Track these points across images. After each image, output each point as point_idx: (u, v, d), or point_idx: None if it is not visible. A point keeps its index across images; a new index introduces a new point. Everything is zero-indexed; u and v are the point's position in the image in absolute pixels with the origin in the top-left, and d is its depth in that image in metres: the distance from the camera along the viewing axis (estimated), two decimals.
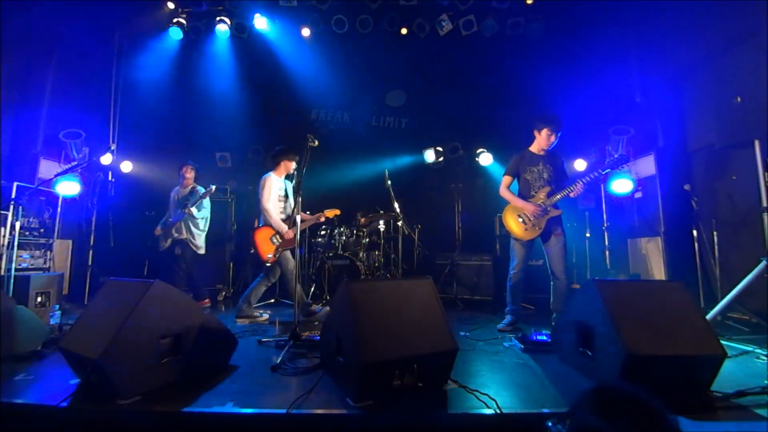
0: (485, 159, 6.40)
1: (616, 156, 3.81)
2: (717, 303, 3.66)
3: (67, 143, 5.30)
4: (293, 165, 4.24)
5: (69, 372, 2.22)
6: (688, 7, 4.74)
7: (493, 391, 2.03)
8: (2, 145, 4.80)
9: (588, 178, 3.46)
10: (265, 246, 3.93)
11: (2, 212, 4.28)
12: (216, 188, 4.94)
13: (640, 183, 5.17)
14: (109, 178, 6.02)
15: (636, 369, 1.94)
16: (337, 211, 4.34)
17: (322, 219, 4.22)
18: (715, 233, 4.20)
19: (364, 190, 6.35)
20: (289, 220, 4.07)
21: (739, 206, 4.23)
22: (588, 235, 5.70)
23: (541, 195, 3.62)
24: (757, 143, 3.49)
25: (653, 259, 4.98)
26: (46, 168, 5.19)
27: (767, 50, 3.47)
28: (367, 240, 5.50)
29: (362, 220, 5.57)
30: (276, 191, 4.09)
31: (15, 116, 5.08)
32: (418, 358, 1.98)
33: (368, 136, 7.00)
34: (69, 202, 5.26)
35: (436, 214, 6.76)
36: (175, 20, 6.02)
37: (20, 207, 4.00)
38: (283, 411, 1.82)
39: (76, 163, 4.92)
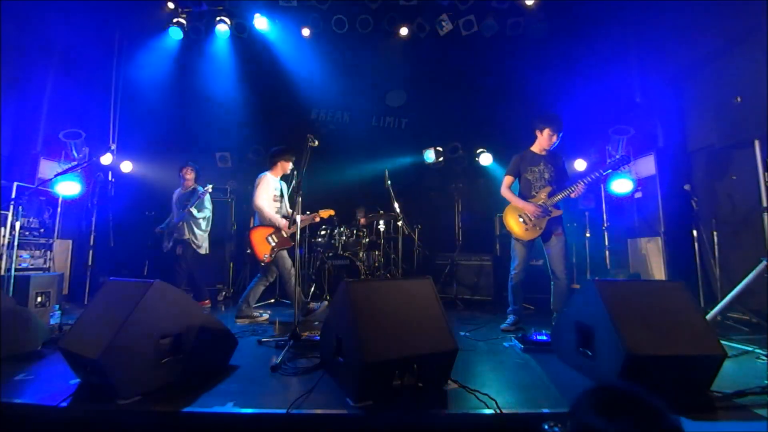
0: (485, 159, 6.40)
1: (617, 156, 3.81)
2: (717, 303, 3.66)
3: (67, 143, 5.30)
4: (290, 165, 4.24)
5: (69, 372, 2.22)
6: (688, 7, 4.74)
7: (493, 391, 2.03)
8: (2, 145, 4.81)
9: (589, 179, 3.46)
10: (261, 246, 3.93)
11: (2, 212, 4.29)
12: (215, 188, 4.95)
13: (640, 183, 5.17)
14: (109, 178, 6.02)
15: (636, 369, 1.94)
16: (332, 212, 4.34)
17: (317, 219, 4.22)
18: (715, 233, 4.20)
19: (364, 190, 6.36)
20: (286, 220, 4.08)
21: (739, 206, 4.23)
22: (588, 235, 5.71)
23: (542, 195, 3.61)
24: (757, 143, 3.50)
25: (653, 259, 4.98)
26: (46, 168, 5.19)
27: (767, 50, 3.48)
28: (367, 240, 5.50)
29: (362, 220, 5.58)
30: (271, 190, 4.09)
31: (15, 116, 5.08)
32: (418, 358, 1.98)
33: (368, 136, 7.00)
34: (69, 202, 5.27)
35: (436, 214, 6.77)
36: (175, 20, 6.02)
37: (20, 207, 3.99)
38: (283, 411, 1.82)
39: (76, 163, 4.92)
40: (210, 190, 4.81)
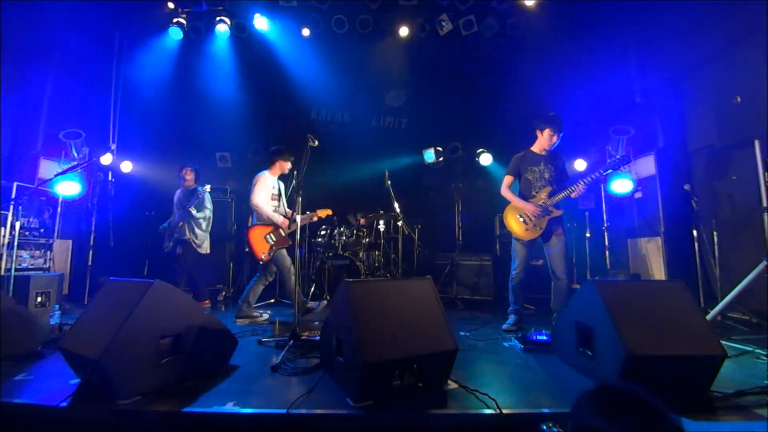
0: (485, 159, 6.40)
1: (617, 156, 3.81)
2: (717, 303, 3.66)
3: (67, 143, 5.30)
4: (288, 165, 4.24)
5: (69, 372, 2.22)
6: (688, 7, 4.75)
7: (493, 391, 2.03)
8: (2, 145, 4.81)
9: (589, 179, 3.46)
10: (260, 244, 3.93)
11: (2, 212, 4.28)
12: (215, 188, 4.95)
13: (640, 183, 5.17)
14: (109, 178, 6.02)
15: (636, 369, 1.94)
16: (329, 211, 4.34)
17: (315, 219, 4.22)
18: (715, 233, 4.20)
19: (364, 190, 6.36)
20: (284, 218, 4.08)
21: (739, 206, 4.23)
22: (588, 235, 5.71)
23: (543, 195, 3.62)
24: (757, 143, 3.50)
25: (653, 259, 4.98)
26: (46, 168, 5.19)
27: (767, 50, 3.48)
28: (367, 240, 5.50)
29: (362, 220, 5.58)
30: (269, 189, 4.09)
31: (15, 116, 5.08)
32: (418, 358, 1.98)
33: (368, 136, 7.00)
34: (69, 202, 5.27)
35: (436, 214, 6.77)
36: (175, 20, 6.01)
37: (20, 207, 3.99)
38: (283, 411, 1.82)
39: (76, 163, 4.92)
40: (208, 190, 4.81)
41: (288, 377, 2.32)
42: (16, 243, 4.07)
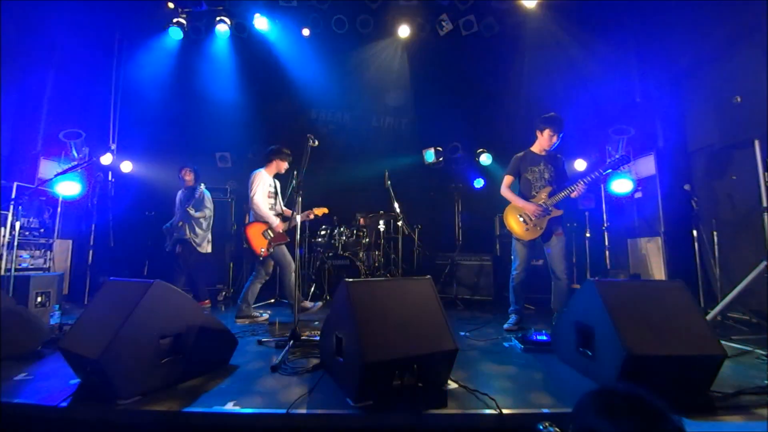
0: (485, 159, 6.41)
1: (616, 156, 3.81)
2: (717, 303, 3.66)
3: (67, 143, 5.30)
4: (285, 165, 4.24)
5: (69, 372, 2.22)
6: (688, 7, 4.75)
7: (493, 391, 2.03)
8: (2, 145, 4.81)
9: (589, 178, 3.46)
10: (258, 240, 3.94)
11: (2, 212, 4.28)
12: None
13: (640, 183, 5.17)
14: (109, 178, 6.02)
15: (636, 369, 1.94)
16: (326, 210, 4.34)
17: (311, 217, 4.22)
18: (715, 233, 4.20)
19: (364, 190, 6.36)
20: (279, 217, 4.09)
21: (739, 206, 4.23)
22: (588, 235, 5.71)
23: (543, 195, 3.62)
24: (757, 143, 3.50)
25: (653, 259, 4.98)
26: (46, 168, 5.19)
27: (767, 50, 3.48)
28: (367, 240, 5.50)
29: (361, 220, 5.58)
30: (266, 187, 4.10)
31: (15, 116, 5.08)
32: (418, 358, 1.98)
33: (368, 136, 7.01)
34: (69, 202, 5.26)
35: (436, 214, 6.77)
36: (175, 20, 6.01)
37: (20, 207, 3.99)
38: (283, 411, 1.82)
39: (76, 163, 4.92)
40: (203, 189, 4.83)
41: (288, 377, 2.32)
42: (16, 243, 4.07)
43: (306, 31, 6.40)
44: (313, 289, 5.31)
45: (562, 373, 2.46)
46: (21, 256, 4.56)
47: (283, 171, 4.25)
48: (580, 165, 5.81)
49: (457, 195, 6.65)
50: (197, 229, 4.87)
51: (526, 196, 3.71)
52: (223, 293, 5.84)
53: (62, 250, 5.42)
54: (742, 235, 4.13)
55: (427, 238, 6.20)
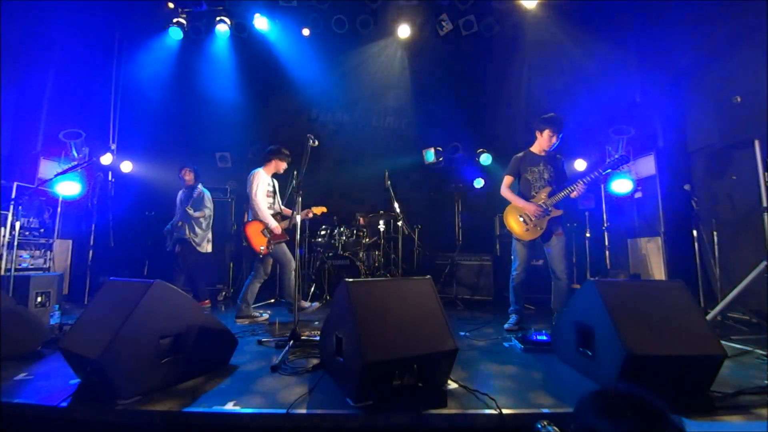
0: (485, 159, 6.41)
1: (616, 156, 3.81)
2: (717, 303, 3.66)
3: (67, 143, 5.30)
4: (284, 165, 4.24)
5: (69, 372, 2.22)
6: (689, 7, 4.75)
7: (493, 391, 2.03)
8: (2, 145, 4.81)
9: (588, 178, 3.46)
10: (257, 238, 3.96)
11: (2, 212, 4.28)
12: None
13: (640, 183, 5.17)
14: (109, 178, 6.02)
15: (636, 369, 1.94)
16: (324, 209, 4.35)
17: (310, 215, 4.23)
18: (715, 233, 4.20)
19: (364, 190, 6.36)
20: (278, 216, 4.10)
21: (739, 206, 4.23)
22: (588, 235, 5.71)
23: (543, 195, 3.62)
24: (757, 143, 3.50)
25: (653, 259, 4.98)
26: (46, 168, 5.19)
27: (767, 50, 3.48)
28: (367, 240, 5.50)
29: (361, 220, 5.58)
30: (264, 186, 4.10)
31: (15, 116, 5.08)
32: (418, 358, 1.98)
33: (368, 136, 7.01)
34: (69, 202, 5.26)
35: (436, 214, 6.77)
36: (175, 20, 6.01)
37: (20, 207, 3.99)
38: (283, 411, 1.82)
39: (76, 163, 4.92)
40: (201, 188, 4.87)
41: (288, 377, 2.32)
42: (16, 243, 4.07)
43: (306, 31, 6.40)
44: (313, 289, 5.31)
45: (562, 373, 2.46)
46: (21, 256, 4.56)
47: (281, 171, 4.26)
48: (580, 165, 5.81)
49: (457, 195, 6.65)
50: (197, 229, 4.87)
51: (525, 197, 3.71)
52: (223, 293, 5.84)
53: (62, 250, 5.42)
54: (742, 235, 4.13)
55: (427, 238, 6.19)
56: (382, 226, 5.60)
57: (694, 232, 4.30)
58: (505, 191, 3.80)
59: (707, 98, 4.51)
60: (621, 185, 5.06)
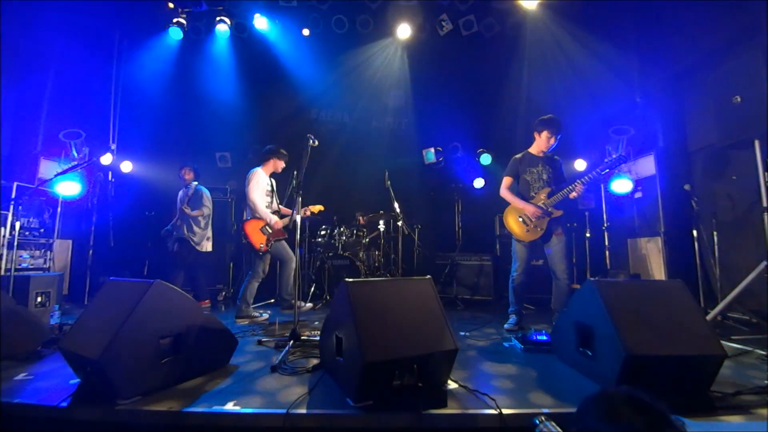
0: (485, 159, 6.41)
1: (615, 156, 3.81)
2: (717, 303, 3.66)
3: (67, 143, 5.30)
4: (282, 165, 4.26)
5: (69, 372, 2.22)
6: (689, 7, 4.75)
7: (493, 391, 2.04)
8: (2, 145, 4.81)
9: (587, 178, 3.46)
10: (256, 236, 3.97)
11: (2, 212, 4.28)
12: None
13: (640, 183, 5.17)
14: (109, 178, 6.02)
15: (636, 369, 1.94)
16: (322, 207, 4.36)
17: (308, 214, 4.24)
18: (715, 233, 4.20)
19: (364, 190, 6.36)
20: (276, 215, 4.12)
21: (739, 206, 4.23)
22: (588, 235, 5.71)
23: (542, 196, 3.62)
24: (757, 143, 3.50)
25: (653, 259, 4.98)
26: (46, 168, 5.19)
27: (767, 50, 3.47)
28: (367, 240, 5.50)
29: (361, 220, 5.58)
30: (263, 186, 4.11)
31: (15, 116, 5.08)
32: (418, 358, 1.98)
33: (368, 136, 7.00)
34: (69, 202, 5.26)
35: (436, 214, 6.77)
36: (175, 20, 6.01)
37: (20, 207, 3.99)
38: (283, 411, 1.82)
39: (76, 163, 4.92)
40: (195, 186, 4.91)
41: (288, 377, 2.32)
42: (16, 243, 4.07)
43: (306, 31, 6.39)
44: (313, 289, 5.31)
45: (562, 373, 2.46)
46: (21, 256, 4.56)
47: (279, 170, 4.27)
48: (580, 165, 5.81)
49: (457, 195, 6.65)
50: (195, 228, 4.86)
51: (524, 197, 3.71)
52: (223, 293, 5.84)
53: (62, 250, 5.42)
54: (742, 235, 4.13)
55: (427, 238, 6.19)
56: (382, 226, 5.60)
57: (694, 232, 4.30)
58: (504, 192, 3.80)
59: (707, 98, 4.51)
60: (621, 185, 5.06)
